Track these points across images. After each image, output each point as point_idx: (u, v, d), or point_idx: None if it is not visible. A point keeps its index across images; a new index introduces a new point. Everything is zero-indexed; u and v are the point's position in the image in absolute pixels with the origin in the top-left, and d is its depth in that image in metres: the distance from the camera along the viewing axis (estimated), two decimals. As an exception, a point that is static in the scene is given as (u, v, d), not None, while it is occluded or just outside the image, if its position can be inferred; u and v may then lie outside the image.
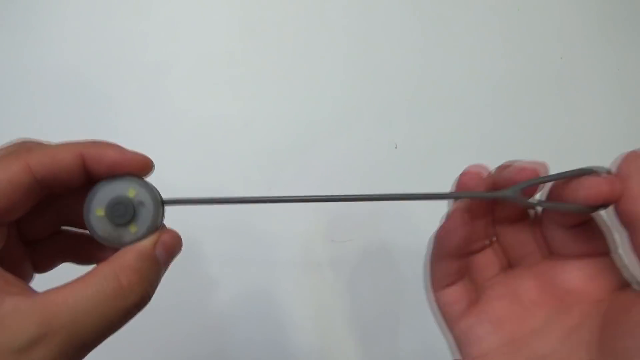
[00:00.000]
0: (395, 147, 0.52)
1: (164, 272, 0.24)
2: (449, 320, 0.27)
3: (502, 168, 0.26)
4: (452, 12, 0.56)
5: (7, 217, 0.21)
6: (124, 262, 0.22)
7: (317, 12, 0.54)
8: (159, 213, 0.24)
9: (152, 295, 0.23)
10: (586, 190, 0.23)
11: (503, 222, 0.27)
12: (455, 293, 0.27)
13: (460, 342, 0.26)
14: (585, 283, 0.25)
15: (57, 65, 0.49)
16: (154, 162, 0.25)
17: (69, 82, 0.49)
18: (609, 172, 0.24)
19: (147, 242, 0.23)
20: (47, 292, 0.21)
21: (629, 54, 0.58)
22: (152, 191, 0.24)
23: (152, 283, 0.23)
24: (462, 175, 0.27)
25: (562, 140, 0.55)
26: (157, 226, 0.24)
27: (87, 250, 0.26)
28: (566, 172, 0.26)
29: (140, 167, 0.24)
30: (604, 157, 0.59)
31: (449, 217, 0.27)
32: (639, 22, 0.58)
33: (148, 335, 0.44)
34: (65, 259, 0.27)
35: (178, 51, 0.51)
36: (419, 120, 0.53)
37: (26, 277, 0.25)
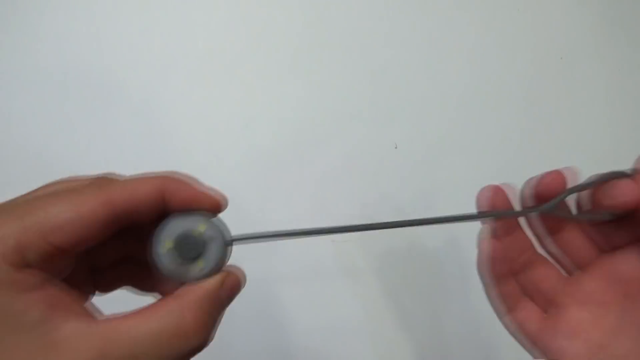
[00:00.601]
0: (395, 147, 0.52)
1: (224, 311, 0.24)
2: (528, 338, 0.28)
3: (531, 182, 0.27)
4: (452, 12, 0.56)
5: (81, 247, 0.21)
6: (191, 299, 0.22)
7: (318, 12, 0.54)
8: (227, 251, 0.24)
9: (213, 338, 0.22)
10: (622, 197, 0.24)
11: (546, 232, 0.28)
12: (524, 312, 0.28)
13: (547, 357, 0.27)
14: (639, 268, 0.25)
15: (55, 65, 0.49)
16: (224, 199, 0.25)
17: (68, 81, 0.49)
18: (635, 172, 0.24)
19: (214, 282, 0.23)
20: (110, 319, 0.20)
21: (629, 54, 0.58)
22: (222, 229, 0.24)
23: (215, 324, 0.22)
24: (485, 195, 0.28)
25: (562, 140, 0.55)
26: (223, 264, 0.24)
27: (149, 280, 0.26)
28: (595, 177, 0.27)
29: (214, 205, 0.24)
30: (604, 157, 0.60)
31: (479, 246, 0.28)
32: (639, 22, 0.58)
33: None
34: (126, 284, 0.26)
35: (178, 51, 0.51)
36: (419, 120, 0.53)
37: (87, 296, 0.25)
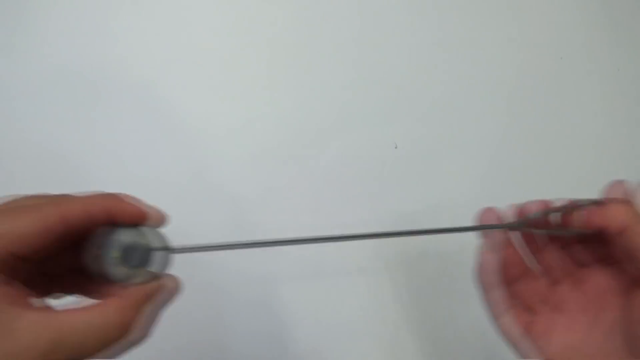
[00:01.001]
0: (395, 147, 0.52)
1: (161, 312, 0.27)
2: (513, 340, 0.32)
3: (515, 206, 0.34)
4: (452, 12, 0.56)
5: (36, 256, 0.24)
6: (132, 299, 0.25)
7: (318, 12, 0.54)
8: (167, 259, 0.27)
9: (150, 334, 0.26)
10: (590, 218, 0.30)
11: (538, 247, 0.34)
12: (511, 317, 0.32)
13: (529, 357, 0.31)
14: (608, 281, 0.31)
15: (54, 64, 0.49)
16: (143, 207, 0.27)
17: (66, 81, 0.49)
18: (596, 202, 0.31)
19: (152, 286, 0.26)
20: (60, 312, 0.23)
21: (629, 54, 0.58)
22: (163, 240, 0.28)
23: (152, 322, 0.26)
24: (481, 214, 0.34)
25: (562, 140, 0.55)
26: (164, 270, 0.27)
27: (97, 290, 0.28)
28: (568, 202, 0.33)
29: (158, 219, 0.27)
30: (604, 157, 0.60)
31: (477, 258, 0.33)
32: (639, 22, 0.58)
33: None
34: (77, 292, 0.29)
35: (177, 51, 0.51)
36: (419, 120, 0.53)
37: (43, 297, 0.28)
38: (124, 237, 0.27)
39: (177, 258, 0.28)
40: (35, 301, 0.24)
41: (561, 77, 0.56)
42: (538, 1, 0.57)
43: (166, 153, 0.49)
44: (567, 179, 0.53)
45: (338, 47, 0.53)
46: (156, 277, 0.27)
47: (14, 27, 0.49)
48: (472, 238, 0.35)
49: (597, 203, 0.31)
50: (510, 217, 0.34)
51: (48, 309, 0.24)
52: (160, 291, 0.26)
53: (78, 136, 0.48)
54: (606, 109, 0.56)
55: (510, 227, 0.32)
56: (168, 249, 0.28)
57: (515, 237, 0.34)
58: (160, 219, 0.27)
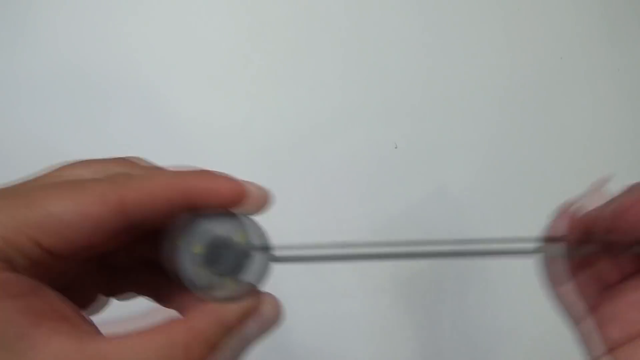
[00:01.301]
0: (395, 147, 0.52)
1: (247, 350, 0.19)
2: (574, 316, 0.26)
3: (606, 210, 0.24)
4: (452, 12, 0.56)
5: (82, 254, 0.18)
6: (203, 330, 0.17)
7: (318, 12, 0.54)
8: (266, 270, 0.19)
9: None
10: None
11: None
12: (581, 287, 0.25)
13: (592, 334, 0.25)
14: None
15: (58, 65, 0.49)
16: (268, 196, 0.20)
17: (69, 81, 0.49)
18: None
19: (238, 310, 0.18)
20: (100, 341, 0.17)
21: (629, 54, 0.58)
22: (265, 242, 0.20)
23: None
24: (559, 225, 0.26)
25: (562, 139, 0.55)
26: (260, 283, 0.19)
27: (167, 290, 0.22)
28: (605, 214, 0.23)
29: (257, 203, 0.19)
30: (604, 157, 0.59)
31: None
32: (639, 22, 0.58)
33: None
34: (143, 292, 0.23)
35: (178, 51, 0.51)
36: (419, 120, 0.53)
37: (95, 302, 0.22)
38: (213, 227, 0.19)
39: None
40: (73, 320, 0.17)
41: (561, 77, 0.56)
42: (538, 1, 0.57)
43: (167, 153, 0.49)
44: (567, 178, 0.53)
45: (338, 48, 0.53)
46: (251, 292, 0.19)
47: (17, 27, 0.49)
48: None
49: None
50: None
51: (87, 333, 0.17)
52: (254, 316, 0.18)
53: (80, 136, 0.48)
54: (606, 109, 0.56)
55: (616, 253, 0.23)
56: (274, 255, 0.19)
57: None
58: (263, 202, 0.20)
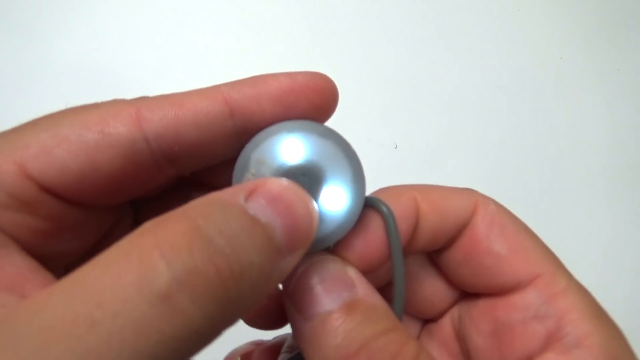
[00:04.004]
0: (395, 147, 0.52)
1: (290, 266, 0.14)
2: None
3: None
4: (452, 12, 0.56)
5: (110, 198, 0.14)
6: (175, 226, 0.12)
7: (318, 11, 0.54)
8: (360, 172, 0.16)
9: (231, 323, 0.13)
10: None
11: None
12: None
13: None
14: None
15: (56, 64, 0.49)
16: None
17: (68, 81, 0.49)
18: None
19: (239, 191, 0.13)
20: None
21: (629, 54, 0.58)
22: (348, 149, 0.17)
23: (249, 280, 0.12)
24: None
25: (562, 140, 0.55)
26: (361, 205, 0.16)
27: None
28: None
29: (324, 98, 0.16)
30: (604, 157, 0.59)
31: None
32: (639, 22, 0.58)
33: None
34: None
35: (178, 51, 0.51)
36: (419, 120, 0.53)
37: None
38: (278, 146, 0.15)
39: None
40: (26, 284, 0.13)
41: (561, 77, 0.56)
42: (538, 1, 0.57)
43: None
44: (567, 178, 0.53)
45: (338, 48, 0.53)
46: (351, 220, 0.16)
47: (17, 27, 0.49)
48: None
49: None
50: None
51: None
52: (254, 201, 0.13)
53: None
54: (606, 108, 0.56)
55: None
56: (360, 167, 0.17)
57: None
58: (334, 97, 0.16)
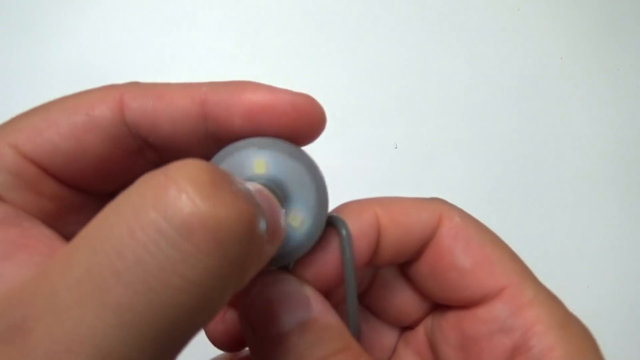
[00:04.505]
0: (395, 147, 0.52)
1: (269, 255, 0.14)
2: None
3: None
4: (452, 12, 0.56)
5: (102, 182, 0.14)
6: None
7: (318, 12, 0.54)
8: (324, 195, 0.17)
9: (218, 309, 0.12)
10: None
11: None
12: None
13: None
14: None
15: (55, 64, 0.49)
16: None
17: (67, 81, 0.49)
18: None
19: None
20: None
21: (629, 54, 0.58)
22: (316, 172, 0.17)
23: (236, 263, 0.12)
24: None
25: (562, 140, 0.55)
26: (321, 227, 0.17)
27: None
28: None
29: (306, 122, 0.15)
30: (604, 157, 0.59)
31: None
32: (639, 22, 0.58)
33: None
34: None
35: (178, 51, 0.51)
36: (419, 120, 0.53)
37: None
38: (241, 160, 0.16)
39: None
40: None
41: (561, 77, 0.56)
42: (538, 1, 0.57)
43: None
44: (567, 178, 0.53)
45: (338, 48, 0.53)
46: (318, 224, 0.16)
47: (14, 26, 0.49)
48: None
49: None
50: None
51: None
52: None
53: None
54: (606, 108, 0.56)
55: None
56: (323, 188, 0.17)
57: None
58: (319, 122, 0.16)
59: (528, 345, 0.17)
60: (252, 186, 0.14)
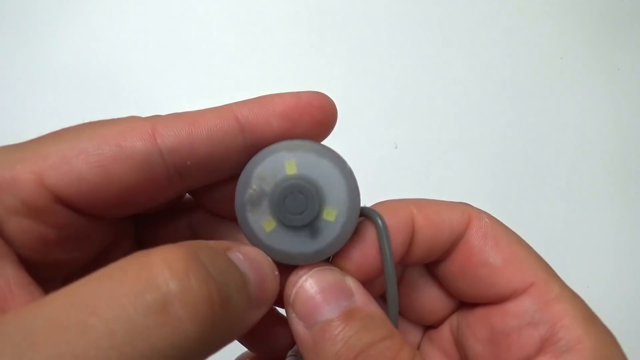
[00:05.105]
0: (395, 147, 0.52)
1: (257, 317, 0.15)
2: None
3: None
4: (452, 12, 0.56)
5: (105, 206, 0.14)
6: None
7: (318, 12, 0.54)
8: (354, 187, 0.17)
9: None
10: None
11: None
12: None
13: None
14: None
15: (55, 64, 0.49)
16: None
17: (66, 81, 0.49)
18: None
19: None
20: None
21: (629, 54, 0.58)
22: (344, 167, 0.18)
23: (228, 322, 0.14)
24: None
25: (562, 140, 0.55)
26: (356, 218, 0.17)
27: None
28: None
29: (328, 116, 0.17)
30: (604, 157, 0.59)
31: None
32: (639, 22, 0.58)
33: None
34: None
35: (178, 51, 0.51)
36: (419, 120, 0.53)
37: None
38: (272, 165, 0.16)
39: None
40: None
41: (561, 77, 0.56)
42: (538, 1, 0.57)
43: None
44: (567, 178, 0.53)
45: (338, 48, 0.53)
46: (341, 240, 0.17)
47: (16, 28, 0.49)
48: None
49: None
50: None
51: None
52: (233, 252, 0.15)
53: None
54: (606, 108, 0.56)
55: None
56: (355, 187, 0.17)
57: None
58: (331, 118, 0.17)
59: (556, 337, 0.18)
60: (242, 254, 0.15)
